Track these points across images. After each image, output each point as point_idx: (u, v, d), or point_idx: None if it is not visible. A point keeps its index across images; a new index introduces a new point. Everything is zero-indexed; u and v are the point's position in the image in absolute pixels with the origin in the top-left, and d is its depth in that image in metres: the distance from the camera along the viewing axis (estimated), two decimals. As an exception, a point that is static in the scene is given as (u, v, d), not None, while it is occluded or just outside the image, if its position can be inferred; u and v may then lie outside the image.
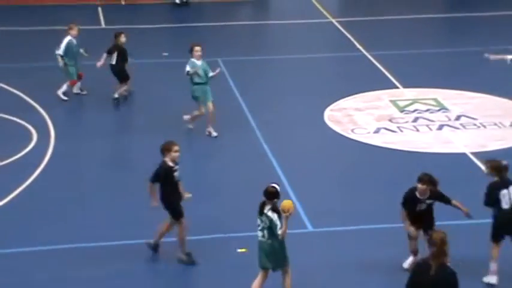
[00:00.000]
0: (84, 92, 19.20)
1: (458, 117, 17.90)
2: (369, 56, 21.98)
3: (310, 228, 13.37)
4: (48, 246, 12.85)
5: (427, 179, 11.60)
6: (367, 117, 18.10)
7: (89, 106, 18.77)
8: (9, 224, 13.59)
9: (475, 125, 17.59)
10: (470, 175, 14.96)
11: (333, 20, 25.50)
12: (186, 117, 17.11)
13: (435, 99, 18.94)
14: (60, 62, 18.69)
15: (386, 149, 16.46)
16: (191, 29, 25.17)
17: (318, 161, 16.00)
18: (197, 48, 16.69)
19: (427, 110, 18.39)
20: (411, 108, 18.53)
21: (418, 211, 11.70)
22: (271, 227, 10.94)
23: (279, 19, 26.53)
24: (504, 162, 11.73)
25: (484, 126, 17.48)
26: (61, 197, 14.50)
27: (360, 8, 27.09)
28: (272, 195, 10.99)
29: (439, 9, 27.30)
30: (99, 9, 26.43)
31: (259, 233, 11.08)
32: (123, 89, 18.73)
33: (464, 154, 16.10)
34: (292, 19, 25.96)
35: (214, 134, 17.00)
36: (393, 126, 17.58)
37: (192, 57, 16.69)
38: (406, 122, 17.77)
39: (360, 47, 22.72)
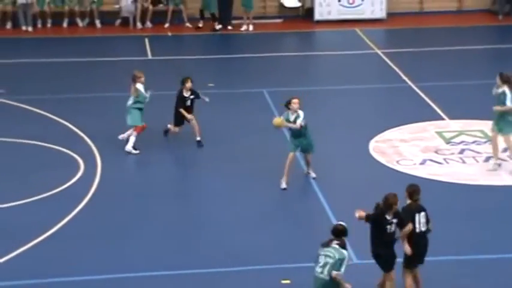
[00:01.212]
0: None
1: (505, 150, 17.71)
2: (415, 87, 21.93)
3: (355, 260, 13.31)
4: (96, 275, 12.95)
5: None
6: (413, 148, 18.03)
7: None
8: (57, 253, 13.73)
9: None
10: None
11: (379, 51, 25.50)
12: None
13: (482, 131, 18.80)
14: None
15: (433, 181, 16.37)
16: (237, 60, 25.36)
17: (364, 192, 15.89)
18: (295, 100, 16.29)
19: (474, 142, 18.26)
20: (457, 139, 18.43)
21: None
22: (334, 264, 11.01)
23: (324, 50, 26.59)
24: None
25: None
26: (108, 226, 14.63)
27: (405, 39, 27.07)
28: (340, 233, 11.26)
29: (486, 41, 27.14)
30: (146, 40, 26.73)
31: (319, 269, 11.13)
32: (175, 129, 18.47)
33: (510, 186, 15.94)
34: (338, 50, 26.01)
35: (313, 175, 16.63)
36: (439, 158, 17.48)
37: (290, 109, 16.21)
38: (452, 153, 17.67)
39: (406, 78, 22.68)
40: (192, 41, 27.32)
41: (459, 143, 18.22)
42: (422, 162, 17.24)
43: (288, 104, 16.30)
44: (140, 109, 17.99)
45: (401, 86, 22.27)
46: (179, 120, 18.25)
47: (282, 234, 14.17)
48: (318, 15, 28.62)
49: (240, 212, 15.16)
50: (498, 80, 16.75)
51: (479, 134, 18.71)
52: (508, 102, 16.37)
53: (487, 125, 18.98)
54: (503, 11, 28.79)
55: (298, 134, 16.27)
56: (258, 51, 26.08)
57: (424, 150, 17.86)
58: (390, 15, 28.74)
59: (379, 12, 28.74)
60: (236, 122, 19.58)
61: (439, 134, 18.82)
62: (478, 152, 17.70)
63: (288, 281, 12.57)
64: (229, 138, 18.50)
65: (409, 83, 22.36)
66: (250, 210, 15.27)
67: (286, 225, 14.57)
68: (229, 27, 27.73)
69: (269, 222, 14.84)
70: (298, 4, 28.91)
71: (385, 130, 18.98)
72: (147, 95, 17.96)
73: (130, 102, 17.97)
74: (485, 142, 18.19)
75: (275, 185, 16.13)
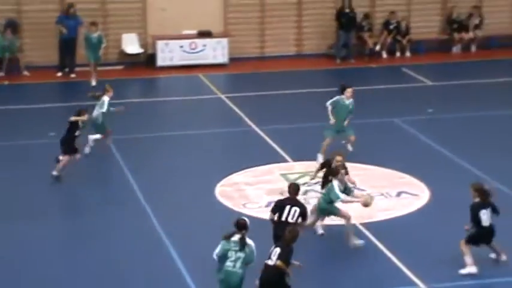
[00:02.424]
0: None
1: (348, 189, 18.16)
2: (259, 131, 22.21)
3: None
4: None
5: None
6: (258, 191, 18.19)
7: None
8: None
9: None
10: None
11: (222, 96, 25.73)
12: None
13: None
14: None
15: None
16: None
17: (211, 237, 15.86)
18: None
19: (317, 183, 18.58)
20: (301, 181, 18.71)
21: None
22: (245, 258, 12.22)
23: (168, 96, 26.55)
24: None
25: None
26: None
27: (247, 83, 27.43)
28: (243, 227, 12.56)
29: (325, 84, 27.80)
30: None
31: (231, 264, 12.27)
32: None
33: (353, 225, 16.28)
34: (181, 96, 26.06)
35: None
36: (284, 200, 17.67)
37: None
38: (297, 195, 17.90)
39: (250, 122, 22.94)
40: (30, 89, 26.63)
41: (303, 184, 18.50)
42: (268, 205, 17.36)
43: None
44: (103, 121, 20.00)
45: (246, 129, 22.52)
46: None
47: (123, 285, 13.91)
48: (160, 61, 28.64)
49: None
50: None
51: (321, 174, 19.02)
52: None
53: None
54: (340, 55, 29.70)
55: None
56: (100, 98, 25.71)
57: (269, 192, 18.04)
58: (232, 60, 29.09)
59: (221, 57, 29.04)
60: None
61: (284, 176, 19.08)
62: (321, 193, 18.00)
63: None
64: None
65: (253, 126, 22.63)
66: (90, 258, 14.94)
67: (130, 273, 14.31)
68: (72, 75, 27.31)
69: (110, 272, 14.56)
70: (140, 50, 28.84)
71: (230, 174, 19.08)
72: (112, 108, 19.94)
73: (96, 112, 19.89)
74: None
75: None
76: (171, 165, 19.89)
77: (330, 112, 19.68)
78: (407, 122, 22.70)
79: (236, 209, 17.30)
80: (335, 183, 15.23)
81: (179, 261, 14.96)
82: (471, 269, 14.45)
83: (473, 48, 30.56)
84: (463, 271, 14.50)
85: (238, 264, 12.36)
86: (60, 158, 18.64)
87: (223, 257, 12.54)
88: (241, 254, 12.40)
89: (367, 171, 19.21)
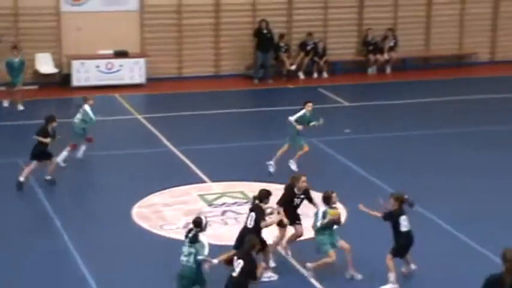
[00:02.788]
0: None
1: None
2: (176, 151, 22.02)
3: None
4: None
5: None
6: (176, 212, 18.00)
7: None
8: None
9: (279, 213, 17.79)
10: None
11: (139, 116, 25.47)
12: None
13: (242, 192, 19.13)
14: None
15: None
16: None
17: (129, 259, 15.67)
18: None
19: (235, 203, 18.52)
20: (219, 201, 18.62)
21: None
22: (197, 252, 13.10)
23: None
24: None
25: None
26: None
27: (164, 103, 27.25)
28: (198, 224, 13.34)
29: (243, 104, 27.87)
30: None
31: (185, 258, 13.16)
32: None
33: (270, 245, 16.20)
34: (97, 116, 25.59)
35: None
36: (202, 221, 17.51)
37: None
38: (215, 215, 17.79)
39: (167, 143, 22.75)
40: None
41: (221, 205, 18.42)
42: (185, 226, 17.19)
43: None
44: (83, 129, 20.74)
45: (163, 150, 22.30)
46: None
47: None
48: (75, 82, 28.23)
49: None
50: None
51: (240, 195, 19.00)
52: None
53: (247, 186, 19.37)
54: (257, 76, 29.77)
55: None
56: (14, 118, 25.19)
57: (186, 213, 17.86)
58: (149, 80, 28.89)
59: (138, 77, 28.81)
60: None
61: (201, 196, 18.94)
62: (239, 213, 17.95)
63: None
64: None
65: (171, 147, 22.44)
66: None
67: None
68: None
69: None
70: (55, 70, 28.38)
71: (148, 195, 18.84)
72: (94, 117, 20.77)
73: (76, 120, 20.67)
74: (246, 203, 18.49)
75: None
76: (86, 187, 19.55)
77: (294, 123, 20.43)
78: (324, 142, 22.82)
79: (154, 230, 17.06)
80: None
81: (92, 283, 14.63)
82: (394, 286, 14.53)
83: (388, 70, 31.00)
84: (384, 287, 14.58)
85: (191, 259, 13.21)
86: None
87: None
88: (192, 250, 13.23)
89: (285, 192, 19.18)
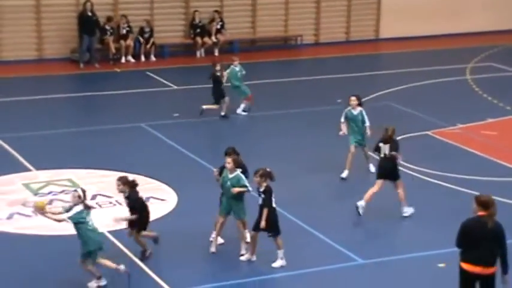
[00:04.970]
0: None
1: (94, 196, 17.59)
2: (-2, 139, 21.11)
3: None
4: None
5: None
6: (-1, 203, 17.22)
7: None
8: None
9: (111, 203, 17.42)
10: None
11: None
12: None
13: (70, 180, 18.54)
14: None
15: (22, 235, 15.73)
16: None
17: None
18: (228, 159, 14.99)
19: (62, 191, 17.91)
20: (46, 190, 17.95)
21: None
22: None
23: None
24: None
25: (120, 204, 17.35)
26: None
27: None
28: None
29: (68, 89, 27.10)
30: None
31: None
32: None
33: (102, 233, 15.74)
34: None
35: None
36: (27, 211, 16.78)
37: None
38: (41, 205, 17.08)
39: (-12, 130, 21.76)
40: None
41: (48, 193, 17.76)
42: (10, 217, 16.49)
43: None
44: None
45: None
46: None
47: None
48: None
49: None
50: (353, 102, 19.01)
51: (67, 182, 18.40)
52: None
53: (74, 174, 18.78)
54: (83, 60, 28.99)
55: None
56: None
57: (11, 203, 17.10)
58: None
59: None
60: None
61: (26, 185, 18.19)
62: (67, 201, 17.33)
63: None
64: None
65: (-9, 134, 21.48)
66: None
67: None
68: None
69: None
70: None
71: (-32, 186, 17.94)
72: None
73: None
74: (74, 190, 17.90)
75: None
76: None
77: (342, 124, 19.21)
78: (153, 126, 22.48)
79: (-25, 222, 16.24)
80: None
81: None
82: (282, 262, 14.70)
83: (216, 52, 30.94)
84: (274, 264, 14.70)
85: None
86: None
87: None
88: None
89: (113, 177, 18.67)
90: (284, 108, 24.48)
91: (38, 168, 19.20)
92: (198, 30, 30.81)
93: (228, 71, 23.79)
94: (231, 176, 14.85)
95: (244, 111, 23.88)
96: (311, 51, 32.34)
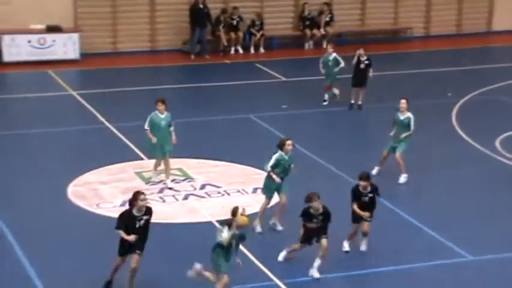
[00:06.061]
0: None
1: (203, 186, 17.97)
2: (112, 128, 21.72)
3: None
4: None
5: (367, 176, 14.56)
6: (113, 190, 17.76)
7: None
8: None
9: (219, 193, 17.74)
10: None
11: (73, 93, 25.05)
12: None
13: (180, 169, 18.95)
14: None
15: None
16: None
17: (67, 239, 15.42)
18: (289, 142, 15.60)
19: (173, 180, 18.32)
20: (157, 179, 18.39)
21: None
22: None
23: (15, 93, 25.58)
24: None
25: (228, 194, 17.68)
26: None
27: (100, 79, 26.82)
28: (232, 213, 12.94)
29: (180, 80, 27.60)
30: None
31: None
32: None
33: (210, 223, 16.11)
34: (30, 92, 25.19)
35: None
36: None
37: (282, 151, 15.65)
38: (152, 193, 17.56)
39: (103, 119, 22.41)
40: None
41: (158, 182, 18.21)
42: (123, 204, 16.91)
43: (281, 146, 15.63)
44: None
45: (99, 127, 21.97)
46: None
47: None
48: (7, 57, 27.64)
49: None
50: (403, 106, 18.27)
51: (178, 172, 18.81)
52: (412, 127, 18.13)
53: (185, 163, 19.19)
54: (194, 51, 29.50)
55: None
56: None
57: (124, 191, 17.60)
58: (84, 55, 28.43)
59: (72, 52, 28.32)
60: None
61: (139, 174, 18.70)
62: (177, 190, 17.79)
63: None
64: None
65: (107, 123, 22.11)
66: None
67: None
68: None
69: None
70: (-15, 46, 27.75)
71: (84, 173, 18.54)
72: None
73: None
74: (183, 180, 18.34)
75: None
76: (20, 166, 19.14)
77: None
78: (262, 117, 22.73)
79: (90, 209, 16.81)
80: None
81: (28, 265, 14.35)
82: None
83: (324, 45, 30.91)
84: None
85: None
86: None
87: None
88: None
89: (223, 168, 19.10)
90: (393, 102, 24.32)
91: (150, 157, 19.65)
92: (308, 22, 30.91)
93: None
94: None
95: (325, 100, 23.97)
96: (421, 44, 32.03)
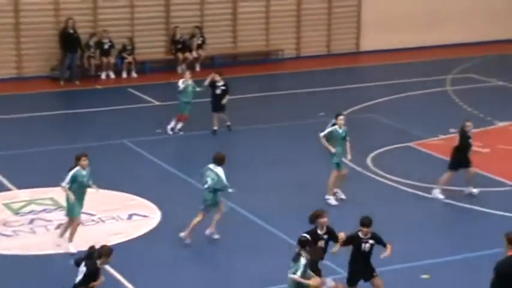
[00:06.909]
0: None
1: (77, 214, 17.50)
2: (-22, 159, 20.96)
3: None
4: None
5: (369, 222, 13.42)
6: (-21, 223, 17.07)
7: None
8: None
9: (93, 220, 17.32)
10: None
11: None
12: None
13: (51, 198, 18.42)
14: None
15: (5, 256, 15.62)
16: None
17: None
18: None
19: (44, 210, 17.79)
20: (27, 209, 17.82)
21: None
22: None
23: None
24: None
25: (103, 221, 17.28)
26: None
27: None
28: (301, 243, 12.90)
29: (49, 107, 26.92)
30: None
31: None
32: None
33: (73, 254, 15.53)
34: None
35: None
36: (8, 231, 16.73)
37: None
38: (22, 224, 16.99)
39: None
40: None
41: (28, 213, 17.64)
42: (-9, 237, 16.38)
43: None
44: None
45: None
46: None
47: None
48: None
49: None
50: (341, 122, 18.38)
51: (48, 201, 18.28)
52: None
53: (56, 192, 18.62)
54: (64, 77, 28.89)
55: None
56: None
57: (-9, 224, 16.97)
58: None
59: None
60: None
61: (7, 205, 18.06)
62: (49, 220, 17.26)
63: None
64: None
65: (-28, 154, 21.32)
66: None
67: None
68: None
69: None
70: None
71: None
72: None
73: None
74: (55, 209, 17.82)
75: None
76: None
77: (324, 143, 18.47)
78: (136, 142, 22.41)
79: (-45, 244, 16.08)
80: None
81: None
82: None
83: (197, 68, 30.89)
84: None
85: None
86: None
87: None
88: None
89: (97, 195, 18.61)
90: (266, 123, 24.47)
91: (19, 187, 19.07)
92: (179, 46, 30.78)
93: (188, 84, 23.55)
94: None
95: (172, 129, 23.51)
96: (293, 65, 32.37)
